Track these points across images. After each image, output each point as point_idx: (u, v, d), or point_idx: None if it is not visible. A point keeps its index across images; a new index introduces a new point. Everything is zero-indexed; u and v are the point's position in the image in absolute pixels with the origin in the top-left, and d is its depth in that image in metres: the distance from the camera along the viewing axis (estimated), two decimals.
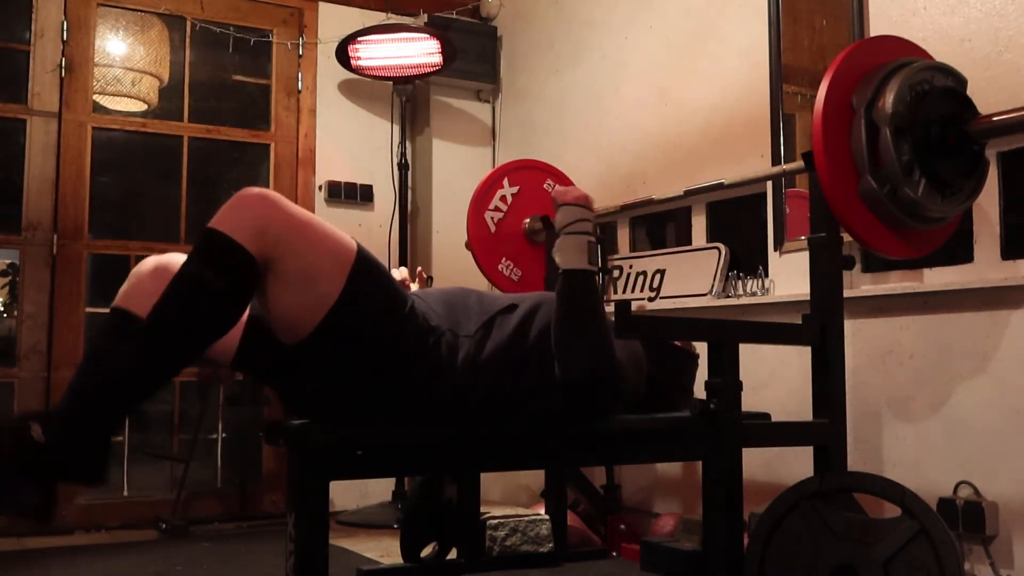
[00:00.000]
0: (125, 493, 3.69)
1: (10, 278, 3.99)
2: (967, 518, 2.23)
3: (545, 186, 3.26)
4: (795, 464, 2.58)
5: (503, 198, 3.22)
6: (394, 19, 4.13)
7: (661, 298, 3.19)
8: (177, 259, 1.67)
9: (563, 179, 3.35)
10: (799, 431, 2.17)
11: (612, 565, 2.85)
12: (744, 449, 1.92)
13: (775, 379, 2.80)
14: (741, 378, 1.91)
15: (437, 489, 2.46)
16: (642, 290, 3.32)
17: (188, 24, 3.91)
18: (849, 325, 2.47)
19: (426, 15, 4.09)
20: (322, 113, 4.11)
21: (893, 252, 2.17)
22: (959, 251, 2.37)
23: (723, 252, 3.06)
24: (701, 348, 1.99)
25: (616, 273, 3.44)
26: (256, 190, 1.59)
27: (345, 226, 3.99)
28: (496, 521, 2.70)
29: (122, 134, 3.82)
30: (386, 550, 3.06)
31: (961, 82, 2.11)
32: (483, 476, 2.58)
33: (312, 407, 1.74)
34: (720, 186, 2.55)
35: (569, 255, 1.82)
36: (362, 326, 1.67)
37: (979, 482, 2.27)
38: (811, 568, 1.78)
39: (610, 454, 2.27)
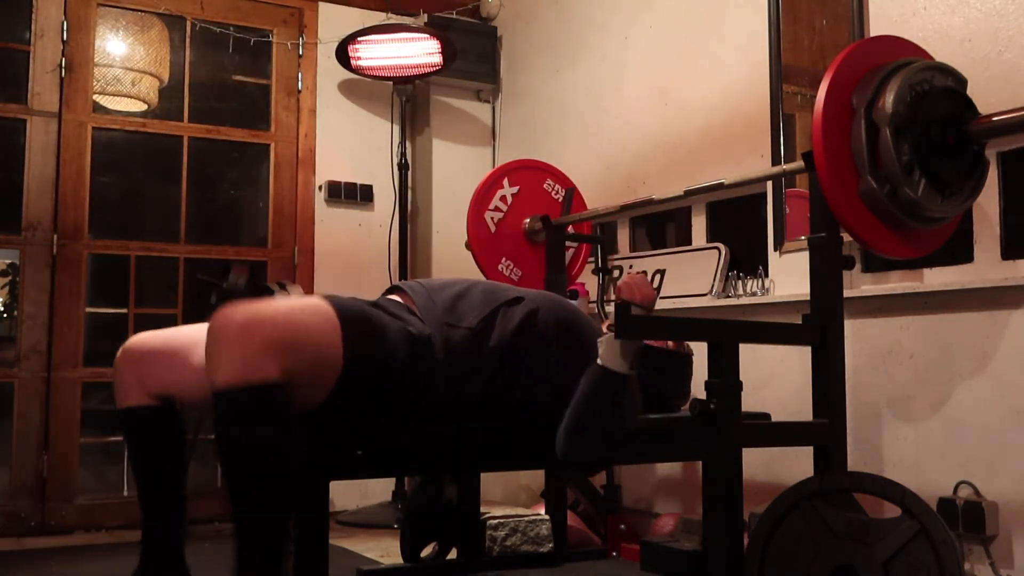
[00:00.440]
0: (125, 493, 3.68)
1: (10, 278, 3.99)
2: (967, 518, 2.23)
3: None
4: (795, 464, 2.58)
5: (503, 198, 3.22)
6: (394, 19, 4.12)
7: (661, 298, 3.19)
8: (144, 337, 1.75)
9: (563, 179, 3.35)
10: (799, 431, 2.17)
11: (612, 565, 2.85)
12: (744, 449, 1.93)
13: (775, 379, 2.80)
14: (741, 378, 1.92)
15: (437, 489, 2.46)
16: None
17: (188, 24, 3.91)
18: (849, 325, 2.47)
19: (426, 15, 4.09)
20: (322, 113, 4.11)
21: (893, 252, 2.17)
22: (959, 251, 2.37)
23: (723, 252, 3.06)
24: (701, 348, 1.99)
25: (616, 273, 3.44)
26: (235, 318, 1.51)
27: (345, 226, 4.10)
28: (496, 521, 2.70)
29: (122, 134, 3.81)
30: (386, 550, 3.06)
31: (961, 82, 2.11)
32: (483, 476, 2.58)
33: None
34: (720, 186, 2.54)
35: (613, 356, 1.75)
36: (373, 374, 1.68)
37: (979, 482, 2.27)
38: (811, 568, 1.78)
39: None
